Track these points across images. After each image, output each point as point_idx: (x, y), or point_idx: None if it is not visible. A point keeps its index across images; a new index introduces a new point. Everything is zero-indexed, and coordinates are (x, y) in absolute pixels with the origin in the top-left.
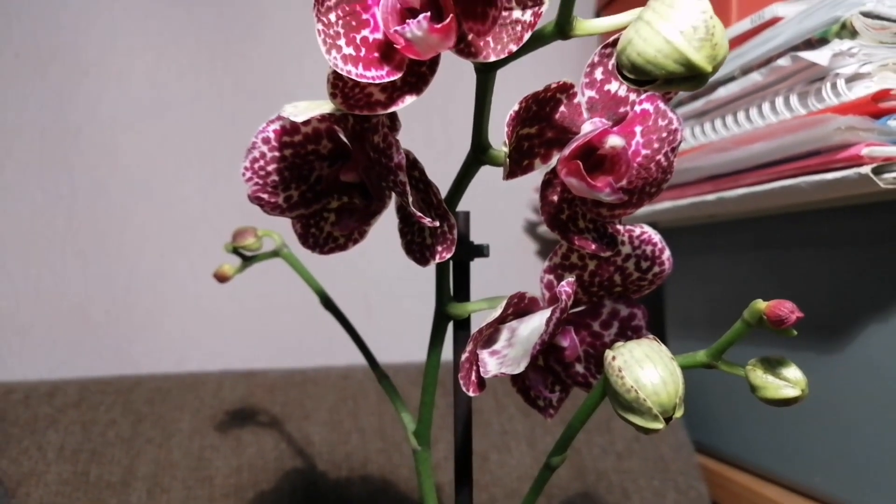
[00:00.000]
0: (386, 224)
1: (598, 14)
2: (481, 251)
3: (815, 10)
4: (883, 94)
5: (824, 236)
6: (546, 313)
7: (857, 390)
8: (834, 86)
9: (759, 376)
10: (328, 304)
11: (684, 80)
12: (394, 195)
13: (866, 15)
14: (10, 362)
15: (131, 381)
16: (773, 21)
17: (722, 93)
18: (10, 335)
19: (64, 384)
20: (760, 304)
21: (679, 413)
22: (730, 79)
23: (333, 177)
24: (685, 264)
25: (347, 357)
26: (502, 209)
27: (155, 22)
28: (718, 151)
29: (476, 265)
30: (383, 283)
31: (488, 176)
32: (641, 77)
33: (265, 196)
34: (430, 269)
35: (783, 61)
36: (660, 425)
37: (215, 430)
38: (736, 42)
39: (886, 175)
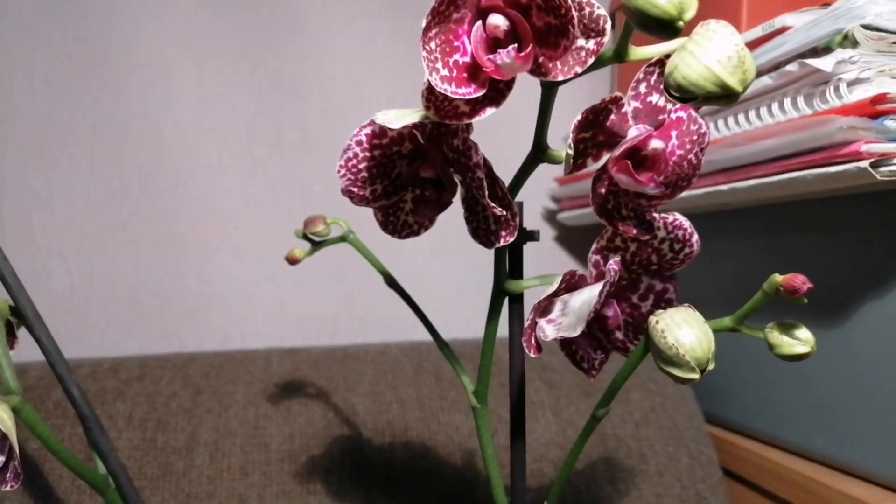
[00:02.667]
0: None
1: (613, 14)
2: (533, 236)
3: (820, 21)
4: (880, 98)
5: (827, 223)
6: (595, 287)
7: (854, 361)
8: (836, 89)
9: (776, 336)
10: (392, 282)
11: (720, 98)
12: (460, 187)
13: (866, 27)
14: (67, 342)
15: (186, 358)
16: (783, 30)
17: None
18: (67, 316)
19: (125, 360)
20: (777, 278)
21: (711, 367)
22: None
23: (413, 173)
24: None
25: (378, 337)
26: (523, 198)
27: (199, 25)
28: (731, 146)
29: None
30: (417, 271)
31: (510, 169)
32: (685, 95)
33: (355, 189)
34: (460, 260)
35: (791, 67)
36: (696, 376)
37: (267, 402)
38: (748, 47)
39: (883, 168)
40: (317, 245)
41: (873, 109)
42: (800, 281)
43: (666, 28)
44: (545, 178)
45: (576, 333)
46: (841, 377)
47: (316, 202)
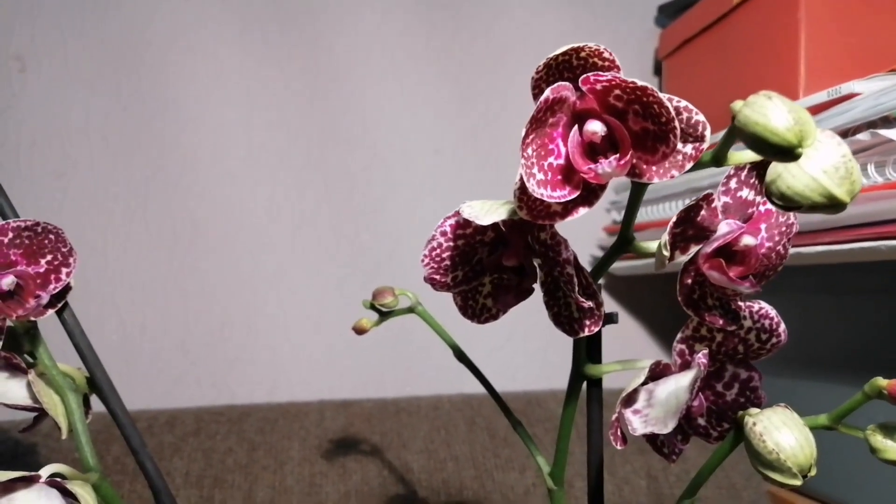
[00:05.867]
0: None
1: (659, 65)
2: (612, 318)
3: (891, 90)
4: None
5: (883, 285)
6: (682, 377)
7: None
8: None
9: (879, 440)
10: (461, 356)
11: (825, 207)
12: (539, 272)
13: None
14: (120, 390)
15: (240, 411)
16: (850, 96)
17: None
18: (119, 365)
19: (180, 413)
20: (881, 381)
21: (813, 472)
22: None
23: (496, 261)
24: None
25: (425, 386)
26: (573, 245)
27: (247, 79)
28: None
29: None
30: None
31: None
32: (789, 204)
33: (437, 277)
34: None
35: (863, 136)
36: (798, 482)
37: (322, 458)
38: (812, 111)
39: None
40: (384, 316)
41: None
42: None
43: (785, 155)
44: (594, 228)
45: (667, 430)
46: None
47: (362, 253)
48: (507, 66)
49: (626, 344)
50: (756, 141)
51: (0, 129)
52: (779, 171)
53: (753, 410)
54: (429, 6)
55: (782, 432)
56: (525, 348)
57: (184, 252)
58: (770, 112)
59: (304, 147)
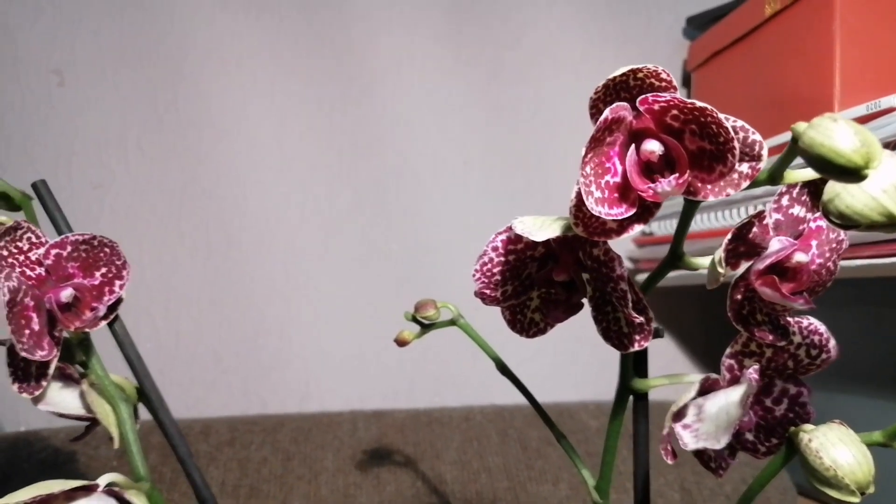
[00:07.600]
0: None
1: (687, 77)
2: (659, 333)
3: None
4: None
5: None
6: (731, 392)
7: None
8: None
9: None
10: (503, 369)
11: (884, 226)
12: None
13: None
14: None
15: (274, 421)
16: (890, 110)
17: None
18: (153, 373)
19: (215, 423)
20: None
21: (871, 490)
22: None
23: (546, 276)
24: None
25: (454, 396)
26: None
27: (280, 90)
28: None
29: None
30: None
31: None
32: (848, 223)
33: (487, 291)
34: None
35: None
36: (857, 499)
37: (356, 469)
38: None
39: None
40: (426, 328)
41: None
42: None
43: (851, 176)
44: (624, 242)
45: (720, 445)
46: None
47: (393, 262)
48: (534, 77)
49: (659, 356)
50: (822, 162)
51: (39, 140)
52: (837, 191)
53: (808, 427)
54: (458, 19)
55: (839, 449)
56: (554, 360)
57: (217, 261)
58: (836, 134)
59: (336, 157)
